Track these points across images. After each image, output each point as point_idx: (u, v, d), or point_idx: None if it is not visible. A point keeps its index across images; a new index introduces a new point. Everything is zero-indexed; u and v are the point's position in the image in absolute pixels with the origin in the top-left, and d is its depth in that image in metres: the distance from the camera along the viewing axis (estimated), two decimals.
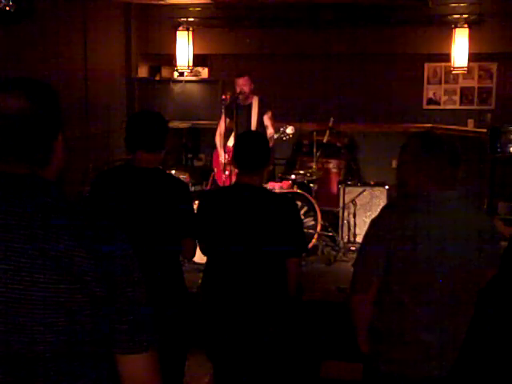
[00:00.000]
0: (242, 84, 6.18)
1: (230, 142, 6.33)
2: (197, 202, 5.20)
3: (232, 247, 2.88)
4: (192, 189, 6.45)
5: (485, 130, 6.84)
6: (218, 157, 6.46)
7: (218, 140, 6.41)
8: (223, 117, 6.32)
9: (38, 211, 1.34)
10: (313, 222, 5.96)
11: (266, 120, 6.24)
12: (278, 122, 6.34)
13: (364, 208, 6.29)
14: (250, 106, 6.28)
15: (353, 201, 6.25)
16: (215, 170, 6.53)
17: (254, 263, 2.86)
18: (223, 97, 6.22)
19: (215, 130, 6.56)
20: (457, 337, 2.20)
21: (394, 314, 2.32)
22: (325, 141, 6.66)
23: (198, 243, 3.11)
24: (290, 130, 5.99)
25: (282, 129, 6.04)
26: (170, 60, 8.18)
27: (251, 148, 2.95)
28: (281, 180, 6.30)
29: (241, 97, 6.17)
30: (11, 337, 1.30)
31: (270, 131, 6.13)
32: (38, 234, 1.32)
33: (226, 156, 6.23)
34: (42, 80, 1.45)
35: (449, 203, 2.28)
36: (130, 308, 1.40)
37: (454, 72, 7.83)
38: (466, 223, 2.28)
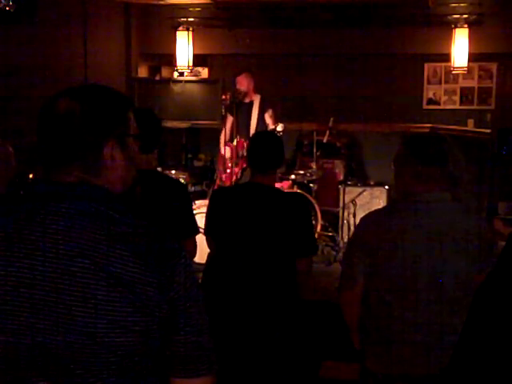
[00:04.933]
0: (240, 82, 6.20)
1: (233, 141, 6.33)
2: (198, 201, 5.19)
3: (242, 245, 2.89)
4: (192, 189, 6.45)
5: (485, 130, 6.83)
6: (221, 156, 6.46)
7: (222, 139, 6.41)
8: (228, 116, 6.32)
9: (88, 223, 1.27)
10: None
11: (267, 118, 6.22)
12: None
13: (364, 208, 6.28)
14: (250, 104, 6.28)
15: (353, 201, 6.25)
16: (220, 168, 6.53)
17: (263, 262, 2.86)
18: (223, 97, 6.22)
19: (215, 130, 6.56)
20: (444, 337, 2.20)
21: (379, 312, 2.33)
22: (325, 141, 6.66)
23: (207, 240, 3.11)
24: (280, 127, 5.88)
25: (271, 127, 5.99)
26: (170, 60, 8.17)
27: (266, 149, 2.96)
28: (281, 180, 6.30)
29: (239, 95, 6.17)
30: (66, 355, 1.24)
31: (271, 129, 6.12)
32: (89, 247, 1.25)
33: (229, 150, 6.23)
34: (105, 85, 1.41)
35: (437, 204, 2.25)
36: (193, 330, 1.32)
37: (453, 72, 7.82)
38: (454, 225, 2.25)
